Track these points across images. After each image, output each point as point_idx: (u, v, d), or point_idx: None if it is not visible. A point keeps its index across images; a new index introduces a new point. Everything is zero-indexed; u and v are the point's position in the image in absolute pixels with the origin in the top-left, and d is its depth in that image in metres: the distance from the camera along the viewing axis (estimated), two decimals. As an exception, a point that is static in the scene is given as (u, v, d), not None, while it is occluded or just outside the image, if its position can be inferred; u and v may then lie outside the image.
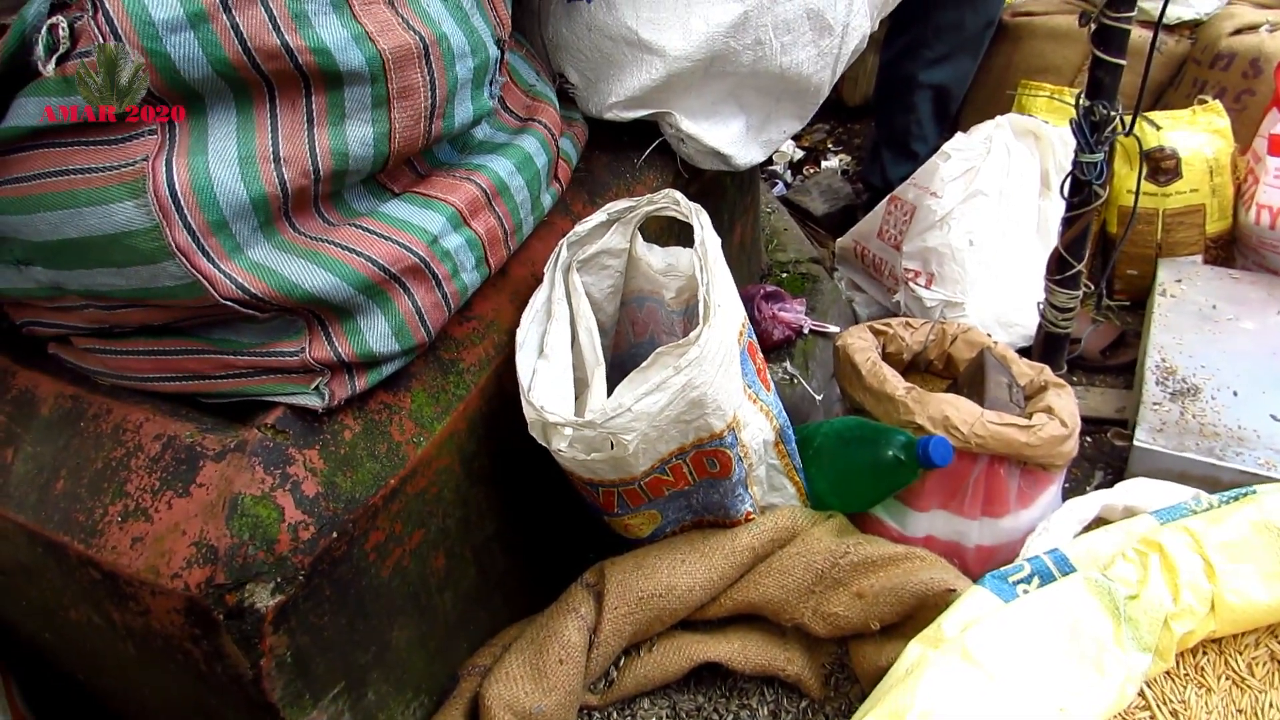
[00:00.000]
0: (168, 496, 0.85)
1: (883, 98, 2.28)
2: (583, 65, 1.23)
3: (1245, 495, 0.81)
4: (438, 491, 1.00)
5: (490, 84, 0.99)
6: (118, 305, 0.86)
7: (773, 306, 1.64)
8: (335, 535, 0.87)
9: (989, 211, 1.77)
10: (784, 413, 1.17)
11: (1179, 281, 1.79)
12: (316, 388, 0.88)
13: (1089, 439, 1.67)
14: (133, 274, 0.79)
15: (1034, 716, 0.69)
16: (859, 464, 1.18)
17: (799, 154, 2.68)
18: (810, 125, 2.81)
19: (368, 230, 0.89)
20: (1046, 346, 1.67)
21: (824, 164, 2.62)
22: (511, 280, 1.11)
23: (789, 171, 2.63)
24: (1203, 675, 0.78)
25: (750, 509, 1.15)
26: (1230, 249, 1.92)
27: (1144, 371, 1.60)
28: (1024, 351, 1.73)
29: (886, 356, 1.37)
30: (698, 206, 1.06)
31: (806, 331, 1.66)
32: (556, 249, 1.09)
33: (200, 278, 0.79)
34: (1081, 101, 1.40)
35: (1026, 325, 1.75)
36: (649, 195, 1.10)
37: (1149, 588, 0.75)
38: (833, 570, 1.11)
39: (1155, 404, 1.53)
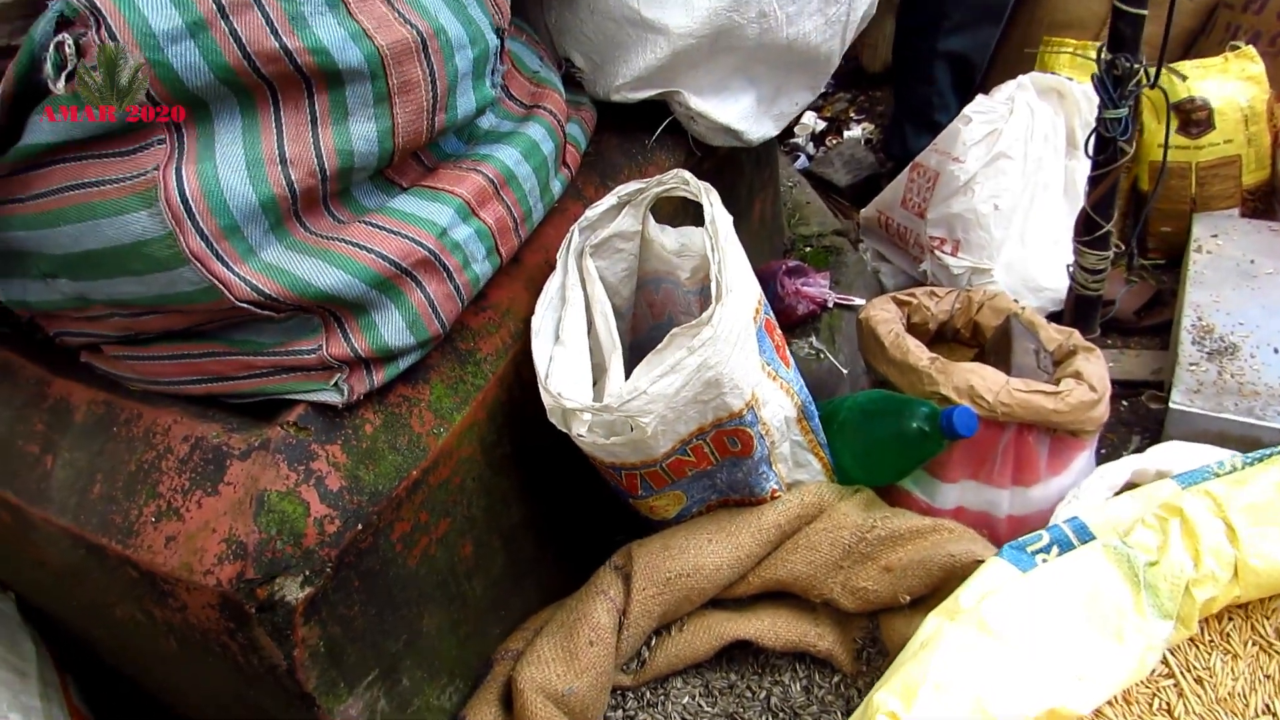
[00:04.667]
0: (197, 496, 0.87)
1: (900, 70, 2.21)
2: (587, 48, 1.23)
3: (1271, 456, 0.79)
4: (461, 481, 1.02)
5: (492, 73, 0.99)
6: (140, 312, 0.88)
7: (796, 281, 1.63)
8: (360, 527, 0.88)
9: (1013, 174, 1.73)
10: (805, 389, 1.16)
11: (1215, 237, 1.74)
12: (335, 384, 0.90)
13: (1125, 403, 1.64)
14: (151, 281, 0.81)
15: (1051, 685, 0.69)
16: (883, 437, 1.18)
17: (821, 125, 2.64)
18: (831, 95, 2.78)
19: (377, 226, 0.90)
20: (1078, 310, 1.64)
21: (846, 134, 2.58)
22: (525, 268, 1.12)
23: (811, 143, 2.60)
24: (1228, 641, 0.76)
25: (776, 486, 1.15)
26: (1269, 200, 1.86)
27: (1180, 331, 1.56)
28: (1056, 316, 1.70)
29: (911, 327, 1.35)
30: (707, 185, 1.06)
31: (831, 305, 1.65)
32: (568, 235, 1.10)
33: (216, 282, 0.80)
34: (1103, 55, 1.36)
35: (1057, 289, 1.72)
36: (659, 176, 1.10)
37: (1169, 554, 0.74)
38: (860, 545, 1.11)
39: (1192, 364, 1.50)
